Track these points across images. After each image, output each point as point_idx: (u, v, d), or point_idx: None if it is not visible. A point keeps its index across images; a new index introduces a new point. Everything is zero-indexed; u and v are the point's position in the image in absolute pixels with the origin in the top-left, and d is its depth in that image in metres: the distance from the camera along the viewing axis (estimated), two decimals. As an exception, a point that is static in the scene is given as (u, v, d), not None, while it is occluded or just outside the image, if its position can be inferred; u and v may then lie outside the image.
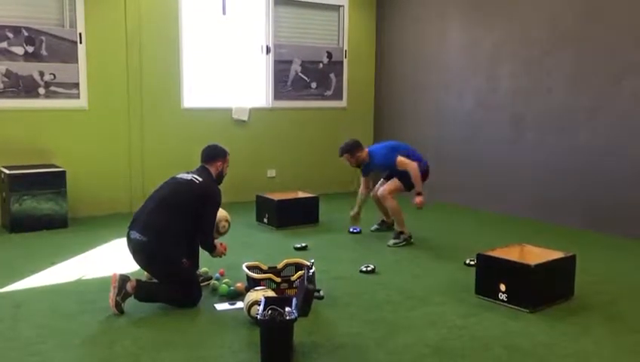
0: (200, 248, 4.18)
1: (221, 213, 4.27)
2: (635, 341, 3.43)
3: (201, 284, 4.06)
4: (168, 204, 3.94)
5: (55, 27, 6.29)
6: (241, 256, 4.72)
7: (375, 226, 6.08)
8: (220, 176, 4.26)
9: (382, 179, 5.87)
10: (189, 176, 4.08)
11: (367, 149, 5.75)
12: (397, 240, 5.52)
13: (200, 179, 4.05)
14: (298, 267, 4.09)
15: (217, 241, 4.19)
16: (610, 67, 5.92)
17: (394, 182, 5.62)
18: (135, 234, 3.86)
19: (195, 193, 3.99)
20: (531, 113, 6.64)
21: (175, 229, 3.89)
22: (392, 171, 5.67)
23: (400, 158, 5.50)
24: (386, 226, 6.05)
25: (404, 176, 5.54)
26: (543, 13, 6.48)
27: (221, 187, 4.20)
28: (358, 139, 5.76)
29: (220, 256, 4.22)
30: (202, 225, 4.01)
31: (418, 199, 5.40)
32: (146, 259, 3.89)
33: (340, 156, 5.75)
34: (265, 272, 4.04)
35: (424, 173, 5.59)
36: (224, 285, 4.12)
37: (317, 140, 8.14)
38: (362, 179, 5.95)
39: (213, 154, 4.24)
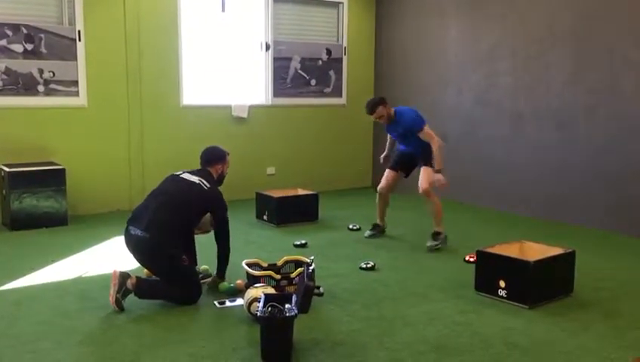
0: (196, 247, 4.22)
1: None
2: (634, 337, 3.44)
3: (201, 282, 4.06)
4: (174, 202, 3.95)
5: (54, 25, 6.28)
6: (241, 254, 4.72)
7: (368, 232, 5.68)
8: (221, 178, 4.29)
9: (387, 170, 5.52)
10: (195, 179, 4.07)
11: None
12: (436, 243, 5.22)
13: (208, 185, 4.07)
14: (298, 264, 4.09)
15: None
16: (609, 64, 5.91)
17: (427, 173, 5.15)
18: (136, 231, 3.86)
19: (206, 199, 4.06)
20: (530, 110, 6.64)
21: (177, 227, 3.92)
22: (406, 140, 5.31)
23: (427, 128, 5.15)
24: (379, 231, 5.69)
25: (427, 159, 5.17)
26: (542, 10, 6.47)
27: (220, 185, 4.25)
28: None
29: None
30: (217, 224, 4.12)
31: (440, 177, 5.05)
32: (147, 255, 3.90)
33: (370, 113, 5.24)
34: (265, 269, 4.05)
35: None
36: (224, 282, 4.13)
37: (317, 137, 8.14)
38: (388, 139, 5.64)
39: (214, 158, 4.26)
